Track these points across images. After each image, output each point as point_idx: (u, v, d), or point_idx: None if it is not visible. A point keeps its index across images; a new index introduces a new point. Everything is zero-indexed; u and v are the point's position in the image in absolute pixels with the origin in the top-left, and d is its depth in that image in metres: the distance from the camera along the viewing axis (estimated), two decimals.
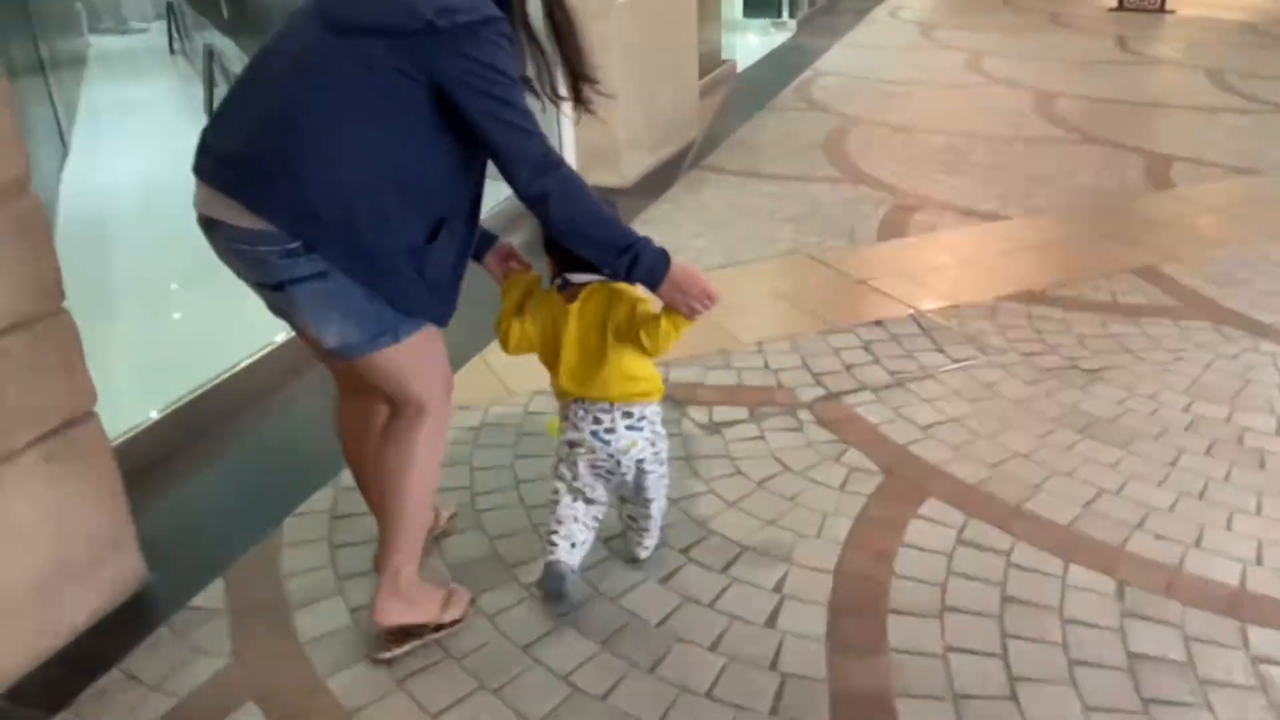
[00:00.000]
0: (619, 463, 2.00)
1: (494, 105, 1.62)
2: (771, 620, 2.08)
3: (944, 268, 3.95)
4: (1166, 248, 4.14)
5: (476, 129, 1.64)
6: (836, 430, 2.79)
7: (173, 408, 2.72)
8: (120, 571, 2.12)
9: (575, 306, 1.92)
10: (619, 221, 1.79)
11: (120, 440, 2.49)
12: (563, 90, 1.88)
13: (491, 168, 1.78)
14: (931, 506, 2.45)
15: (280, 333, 3.15)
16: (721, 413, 2.88)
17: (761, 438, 2.76)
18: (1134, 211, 4.67)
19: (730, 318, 3.46)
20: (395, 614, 1.92)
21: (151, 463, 2.56)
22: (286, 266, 1.63)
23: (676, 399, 2.94)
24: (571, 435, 2.02)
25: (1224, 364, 3.15)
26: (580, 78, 1.87)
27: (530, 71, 1.81)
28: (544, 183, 1.67)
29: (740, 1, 10.74)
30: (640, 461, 2.02)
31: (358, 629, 2.05)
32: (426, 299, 1.75)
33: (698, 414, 2.87)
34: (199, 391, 2.83)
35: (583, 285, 1.92)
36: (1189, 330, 3.39)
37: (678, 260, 1.82)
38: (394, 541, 1.90)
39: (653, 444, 2.04)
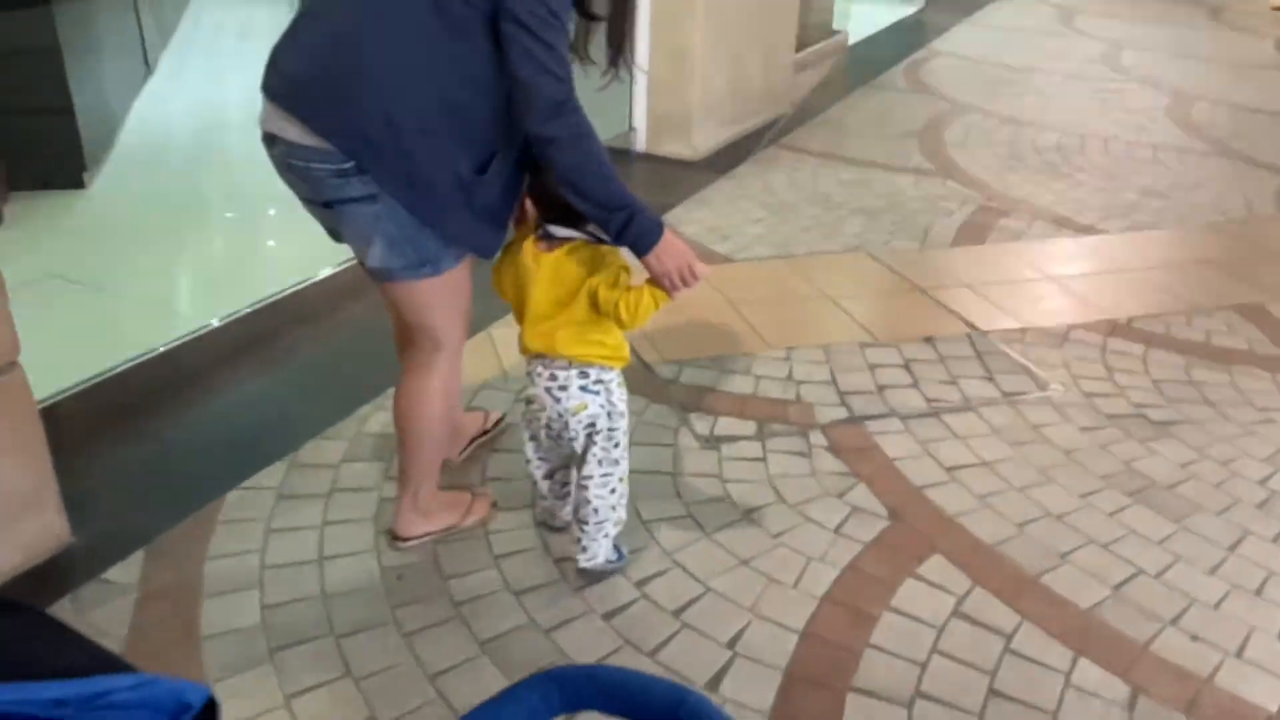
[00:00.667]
0: (567, 424, 1.92)
1: (531, 41, 1.60)
2: (715, 682, 1.84)
3: (1019, 283, 3.56)
4: None
5: (507, 59, 1.62)
6: (848, 460, 2.49)
7: (134, 361, 2.60)
8: (37, 531, 2.01)
9: (552, 257, 1.81)
10: (621, 183, 1.72)
11: (71, 393, 2.38)
12: (593, 52, 1.88)
13: None
14: (934, 565, 2.15)
15: (278, 286, 3.03)
16: (726, 425, 2.62)
17: (762, 459, 2.49)
18: (1254, 239, 4.15)
19: (763, 317, 3.18)
20: (415, 527, 2.11)
21: (102, 417, 2.45)
22: (338, 186, 1.67)
23: (681, 404, 2.69)
24: (529, 391, 1.97)
25: None
26: (618, 49, 1.85)
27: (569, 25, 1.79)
28: (556, 126, 1.63)
29: None
30: (590, 427, 1.91)
31: (263, 629, 1.89)
32: (471, 228, 1.77)
33: (700, 424, 2.61)
34: (162, 348, 2.70)
35: (563, 240, 1.81)
36: None
37: (670, 233, 1.75)
38: (409, 466, 2.05)
39: (608, 414, 1.92)
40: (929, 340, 3.10)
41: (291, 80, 1.67)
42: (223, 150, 4.77)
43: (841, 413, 2.70)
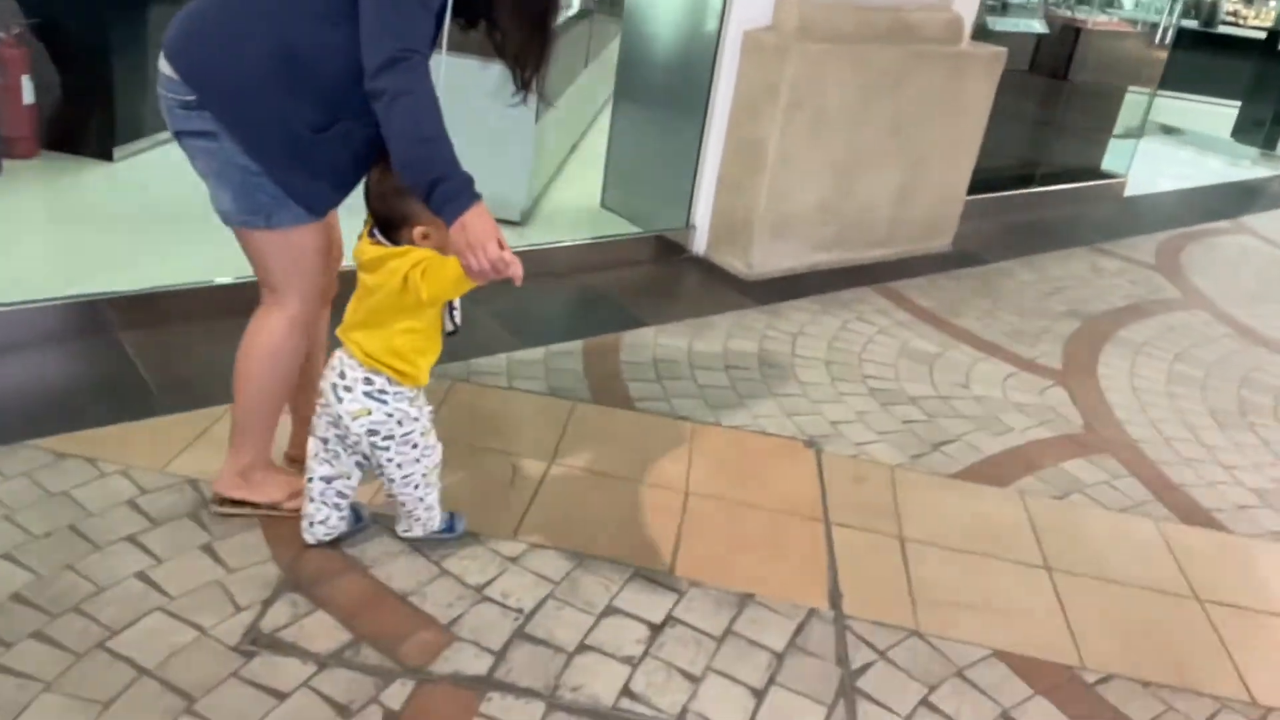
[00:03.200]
0: (348, 427, 1.86)
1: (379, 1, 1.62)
2: None
3: (978, 562, 2.38)
4: None
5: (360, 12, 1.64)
6: None
7: None
8: None
9: (370, 253, 1.78)
10: (445, 147, 1.64)
11: None
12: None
13: None
14: None
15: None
16: (308, 628, 1.86)
17: (278, 701, 1.71)
18: None
19: (554, 496, 2.35)
20: (231, 489, 2.07)
21: None
22: (181, 118, 1.75)
23: (297, 581, 1.97)
24: (321, 383, 1.91)
25: None
26: (530, 72, 1.88)
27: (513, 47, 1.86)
28: (383, 79, 1.62)
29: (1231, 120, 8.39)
30: (372, 433, 1.86)
31: None
32: (302, 183, 1.80)
33: (281, 614, 1.88)
34: None
35: (378, 243, 1.79)
36: None
37: (482, 205, 1.65)
38: (235, 425, 2.02)
39: (397, 421, 1.86)
40: (745, 599, 2.10)
41: (176, 17, 1.77)
42: None
43: (480, 665, 1.84)
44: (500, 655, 1.87)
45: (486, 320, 3.13)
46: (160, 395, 2.52)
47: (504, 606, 1.99)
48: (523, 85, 1.89)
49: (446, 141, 1.65)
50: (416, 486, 1.97)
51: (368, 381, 1.83)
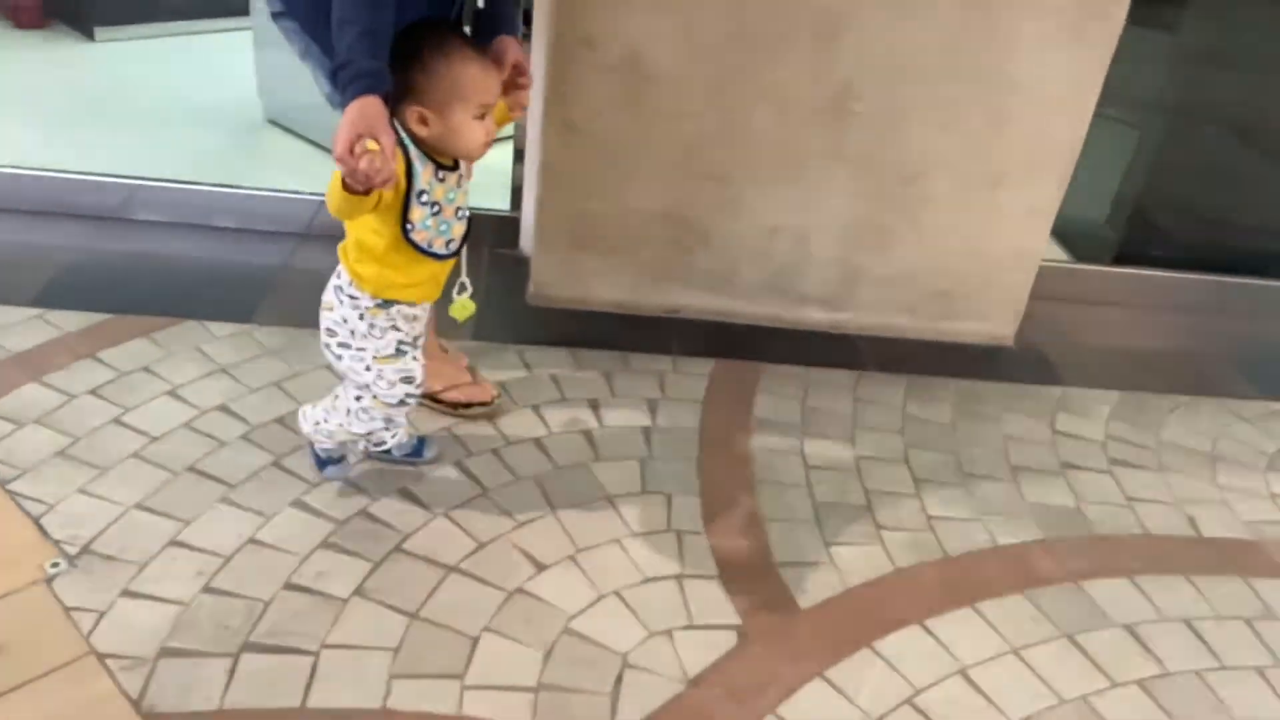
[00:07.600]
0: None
1: None
2: None
3: None
4: None
5: None
6: None
7: None
8: None
9: None
10: (354, 41, 1.45)
11: None
12: None
13: None
14: None
15: None
16: None
17: None
18: None
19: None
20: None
21: None
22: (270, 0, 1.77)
23: None
24: None
25: None
26: None
27: None
28: None
29: None
30: (330, 333, 1.68)
31: None
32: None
33: None
34: None
35: None
36: None
37: (371, 100, 1.44)
38: None
39: (347, 326, 1.65)
40: None
41: None
42: None
43: None
44: None
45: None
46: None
47: None
48: None
49: (360, 28, 1.46)
50: (352, 410, 1.74)
51: (338, 275, 1.65)
